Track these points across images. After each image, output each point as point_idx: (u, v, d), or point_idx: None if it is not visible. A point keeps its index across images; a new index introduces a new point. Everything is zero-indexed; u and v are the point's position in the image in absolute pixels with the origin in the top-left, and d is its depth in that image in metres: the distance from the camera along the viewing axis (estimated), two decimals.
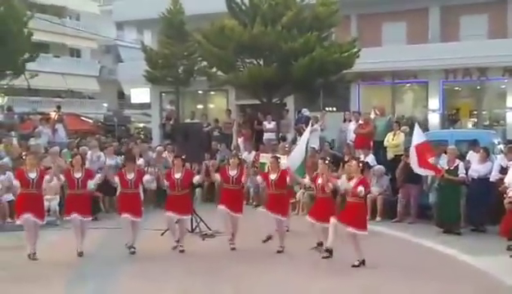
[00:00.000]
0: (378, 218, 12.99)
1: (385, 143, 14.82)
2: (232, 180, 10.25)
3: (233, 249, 10.16)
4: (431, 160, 11.47)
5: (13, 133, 17.19)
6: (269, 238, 10.41)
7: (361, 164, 9.25)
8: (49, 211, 12.71)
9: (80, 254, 9.76)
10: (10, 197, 12.54)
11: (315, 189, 9.94)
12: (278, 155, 11.25)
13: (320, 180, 9.52)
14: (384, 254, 9.70)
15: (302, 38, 17.31)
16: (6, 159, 14.15)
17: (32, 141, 16.40)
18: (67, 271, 8.95)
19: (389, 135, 14.85)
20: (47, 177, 9.94)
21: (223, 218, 10.34)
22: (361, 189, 8.82)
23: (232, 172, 10.29)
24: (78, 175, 9.94)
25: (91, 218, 10.31)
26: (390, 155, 14.66)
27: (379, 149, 15.04)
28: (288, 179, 10.14)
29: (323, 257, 9.35)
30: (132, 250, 9.99)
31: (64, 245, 10.35)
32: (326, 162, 9.66)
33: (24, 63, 21.25)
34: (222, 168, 10.85)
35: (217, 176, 10.71)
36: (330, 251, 9.29)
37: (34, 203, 9.66)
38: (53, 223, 12.60)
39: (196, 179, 10.73)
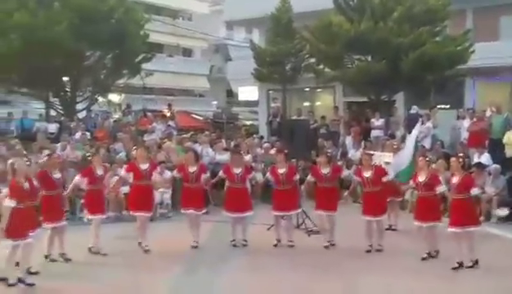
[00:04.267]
0: (481, 218, 12.21)
1: (504, 140, 14.07)
2: (326, 178, 10.15)
3: (326, 247, 10.07)
4: None
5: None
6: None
7: (461, 160, 8.83)
8: (161, 204, 13.30)
9: (195, 247, 10.06)
10: (126, 189, 13.20)
11: (416, 188, 9.55)
12: (371, 152, 11.01)
13: (419, 178, 9.20)
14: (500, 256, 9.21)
15: (412, 33, 16.83)
16: (122, 154, 14.94)
17: (146, 137, 17.20)
18: (178, 262, 9.30)
19: (509, 134, 14.08)
20: (156, 174, 10.34)
21: (319, 218, 10.39)
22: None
23: (325, 170, 10.19)
24: (192, 169, 10.27)
25: (204, 211, 10.55)
26: (509, 153, 13.88)
27: (496, 148, 14.28)
28: (385, 178, 9.88)
29: (423, 258, 9.11)
30: (244, 243, 10.24)
31: (175, 237, 10.74)
32: (427, 159, 9.35)
33: (140, 63, 22.30)
34: (314, 167, 10.76)
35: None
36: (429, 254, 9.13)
37: (145, 195, 10.03)
38: (165, 215, 13.15)
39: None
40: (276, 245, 10.26)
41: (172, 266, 9.03)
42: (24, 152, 13.41)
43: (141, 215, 9.94)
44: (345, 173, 10.77)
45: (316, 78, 20.51)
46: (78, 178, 9.82)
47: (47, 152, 13.88)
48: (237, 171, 10.30)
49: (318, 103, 25.63)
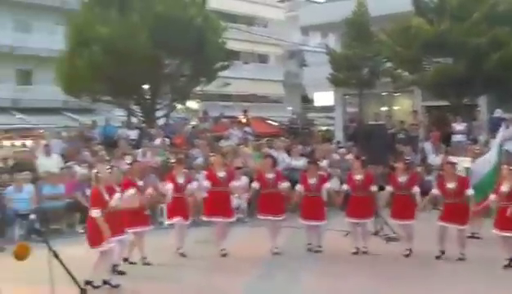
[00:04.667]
0: None
1: None
2: (402, 186, 9.89)
3: (407, 256, 9.82)
4: None
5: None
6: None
7: None
8: (238, 208, 13.42)
9: (276, 253, 10.09)
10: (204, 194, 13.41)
11: (498, 198, 9.06)
12: (454, 160, 10.60)
13: (503, 188, 8.79)
14: None
15: (490, 33, 16.19)
16: (200, 159, 15.21)
17: (223, 143, 17.45)
18: (255, 266, 9.37)
19: None
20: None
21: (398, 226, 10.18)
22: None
23: (402, 178, 9.94)
24: (269, 175, 10.31)
25: (283, 217, 10.48)
26: None
27: None
28: (468, 191, 9.47)
29: (504, 266, 8.78)
30: (318, 249, 10.20)
31: (252, 241, 10.82)
32: (511, 168, 8.91)
33: (218, 71, 22.67)
34: (392, 175, 10.43)
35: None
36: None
37: (222, 201, 10.14)
38: (242, 220, 13.26)
39: None
40: (355, 253, 10.10)
41: (249, 270, 9.10)
42: (107, 158, 13.94)
43: (218, 220, 10.08)
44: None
45: (393, 83, 20.13)
46: (168, 186, 9.98)
47: (129, 158, 14.46)
48: (312, 181, 10.24)
49: (396, 107, 25.12)
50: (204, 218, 10.36)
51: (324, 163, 14.97)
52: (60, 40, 22.45)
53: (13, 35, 30.70)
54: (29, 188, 12.42)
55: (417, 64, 18.27)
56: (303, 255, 10.10)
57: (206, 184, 10.32)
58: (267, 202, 10.24)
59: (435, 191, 9.92)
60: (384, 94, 24.59)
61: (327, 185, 10.45)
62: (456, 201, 9.39)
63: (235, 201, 12.54)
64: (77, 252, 8.17)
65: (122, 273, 8.58)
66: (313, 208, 10.17)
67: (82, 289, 3.49)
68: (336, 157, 16.37)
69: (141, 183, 9.44)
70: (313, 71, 28.76)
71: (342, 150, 16.74)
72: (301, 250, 10.30)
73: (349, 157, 15.58)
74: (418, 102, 22.92)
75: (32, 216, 11.83)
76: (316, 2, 35.55)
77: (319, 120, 35.57)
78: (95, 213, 7.73)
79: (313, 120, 30.83)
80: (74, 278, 3.41)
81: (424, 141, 18.27)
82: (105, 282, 7.95)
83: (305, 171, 10.99)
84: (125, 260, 9.24)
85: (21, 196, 12.17)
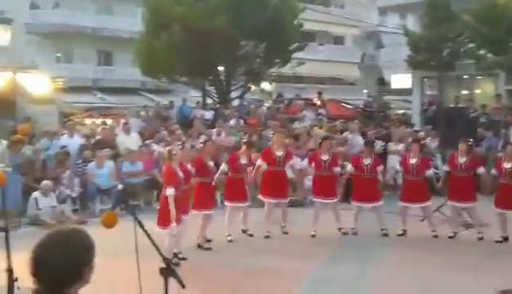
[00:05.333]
0: None
1: None
2: (461, 168, 9.70)
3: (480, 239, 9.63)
4: None
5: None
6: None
7: None
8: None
9: (344, 232, 10.14)
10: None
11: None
12: None
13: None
14: None
15: None
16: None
17: (296, 124, 17.38)
18: (328, 248, 9.31)
19: None
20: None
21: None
22: None
23: (461, 160, 9.74)
24: (325, 157, 10.18)
25: (335, 200, 10.22)
26: None
27: None
28: None
29: None
30: (384, 232, 10.08)
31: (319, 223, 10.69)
32: None
33: (293, 52, 22.53)
34: (451, 155, 10.18)
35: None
36: None
37: (277, 181, 10.04)
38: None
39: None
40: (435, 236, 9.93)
41: (316, 253, 9.03)
42: (183, 137, 14.21)
43: (269, 201, 10.00)
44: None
45: (476, 65, 19.30)
46: (223, 165, 9.87)
47: (203, 137, 14.68)
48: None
49: (478, 91, 24.10)
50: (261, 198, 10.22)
51: (400, 147, 14.63)
52: (140, 22, 23.02)
53: (95, 17, 31.76)
54: (109, 164, 12.88)
55: (503, 46, 17.41)
56: (373, 239, 9.91)
57: (259, 163, 10.03)
58: (319, 185, 10.15)
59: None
60: (465, 77, 23.64)
61: (381, 167, 10.26)
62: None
63: (307, 182, 12.50)
64: (154, 229, 8.37)
65: (183, 259, 8.44)
66: (367, 189, 10.04)
67: (165, 258, 3.55)
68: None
69: (212, 163, 9.35)
70: (390, 53, 28.09)
71: (421, 134, 16.27)
72: (372, 233, 10.11)
73: (428, 141, 15.16)
74: (501, 85, 21.90)
75: (120, 187, 12.23)
76: None
77: (395, 103, 34.74)
78: (169, 191, 7.74)
79: (389, 103, 30.15)
80: (157, 248, 3.48)
81: (508, 126, 17.44)
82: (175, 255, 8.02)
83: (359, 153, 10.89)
84: (199, 246, 9.16)
85: (102, 172, 12.64)
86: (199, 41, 19.04)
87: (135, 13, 30.64)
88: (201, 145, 10.50)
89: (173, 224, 7.72)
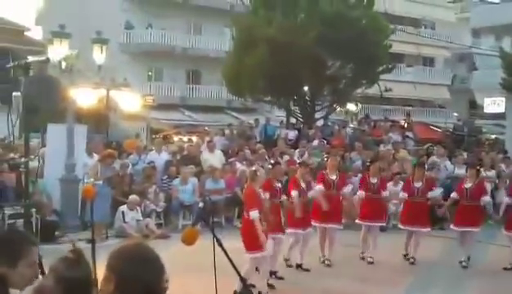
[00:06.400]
0: None
1: None
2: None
3: None
4: None
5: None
6: None
7: None
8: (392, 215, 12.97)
9: (412, 263, 9.82)
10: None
11: None
12: None
13: None
14: None
15: None
16: (358, 162, 15.00)
17: (382, 147, 17.02)
18: (406, 276, 9.08)
19: None
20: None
21: None
22: None
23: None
24: (417, 184, 9.93)
25: (428, 229, 10.05)
26: None
27: None
28: None
29: None
30: (464, 264, 9.64)
31: (396, 249, 10.38)
32: None
33: (381, 73, 22.18)
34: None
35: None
36: None
37: (374, 208, 9.97)
38: (397, 226, 12.79)
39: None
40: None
41: (400, 280, 8.76)
42: (266, 157, 14.28)
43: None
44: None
45: None
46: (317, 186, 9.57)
47: (286, 157, 14.70)
48: (468, 185, 9.72)
49: None
50: (357, 221, 10.26)
51: (491, 174, 13.99)
52: (228, 42, 23.50)
53: (185, 37, 32.76)
54: (193, 181, 13.14)
55: None
56: (457, 268, 9.55)
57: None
58: (410, 212, 9.92)
59: None
60: None
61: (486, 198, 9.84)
62: None
63: (391, 207, 12.21)
64: (234, 246, 8.39)
65: (280, 278, 8.55)
66: (469, 215, 9.65)
67: (242, 278, 3.55)
68: (505, 167, 15.20)
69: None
70: (484, 75, 27.03)
71: None
72: (455, 263, 9.76)
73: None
74: None
75: (201, 204, 12.42)
76: (490, 3, 33.36)
77: (487, 127, 33.37)
78: (253, 214, 7.43)
79: (481, 127, 29.03)
80: (235, 268, 3.48)
81: None
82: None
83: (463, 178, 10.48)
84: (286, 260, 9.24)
85: (186, 188, 12.92)
86: (285, 59, 19.15)
87: (224, 32, 31.33)
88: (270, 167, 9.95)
89: (259, 248, 7.46)
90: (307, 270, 9.18)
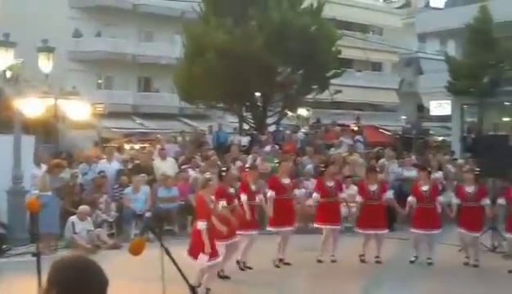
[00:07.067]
0: None
1: None
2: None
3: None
4: None
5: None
6: None
7: None
8: (347, 218, 13.18)
9: (378, 261, 9.96)
10: (311, 202, 13.30)
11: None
12: None
13: None
14: None
15: None
16: (310, 167, 15.17)
17: (332, 151, 17.27)
18: (361, 276, 9.26)
19: None
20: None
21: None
22: None
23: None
24: (373, 187, 10.07)
25: (386, 230, 10.27)
26: None
27: None
28: None
29: None
30: (429, 261, 9.86)
31: (358, 251, 10.57)
32: None
33: (330, 78, 22.52)
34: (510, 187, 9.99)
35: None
36: None
37: (332, 211, 10.11)
38: (351, 229, 13.01)
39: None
40: (466, 264, 9.82)
41: (357, 279, 8.94)
42: (218, 162, 14.28)
43: (326, 228, 10.03)
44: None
45: None
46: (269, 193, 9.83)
47: (238, 163, 14.73)
48: (425, 188, 9.88)
49: None
50: (316, 225, 10.39)
51: (438, 175, 14.37)
52: (179, 49, 23.42)
53: (136, 44, 32.47)
54: (145, 189, 13.02)
55: None
56: (410, 268, 9.78)
57: (314, 195, 10.33)
58: (368, 215, 10.02)
59: None
60: (506, 103, 23.20)
61: (440, 198, 10.08)
62: None
63: (343, 210, 12.37)
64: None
65: (226, 277, 8.68)
66: (427, 217, 9.87)
67: (191, 287, 3.54)
68: (452, 168, 15.66)
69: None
70: (430, 79, 27.80)
71: (460, 162, 15.99)
72: (408, 262, 10.00)
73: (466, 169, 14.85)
74: None
75: (147, 214, 12.38)
76: (435, 8, 34.36)
77: (434, 130, 34.29)
78: (199, 225, 7.52)
79: (428, 130, 29.80)
80: (184, 276, 3.48)
81: None
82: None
83: (417, 180, 10.68)
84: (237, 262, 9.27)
85: (138, 197, 12.78)
86: (236, 67, 19.23)
87: (174, 40, 31.22)
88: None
89: (205, 256, 7.52)
90: (250, 268, 9.29)
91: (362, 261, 10.02)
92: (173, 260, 3.73)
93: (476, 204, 9.79)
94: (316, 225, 10.45)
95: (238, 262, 9.27)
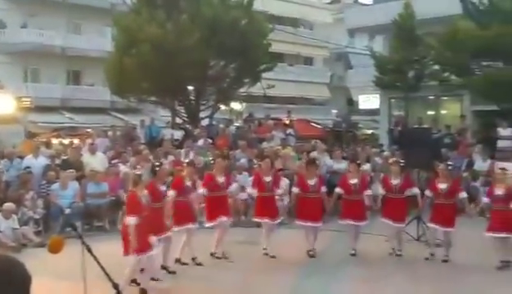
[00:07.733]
0: None
1: None
2: (443, 194, 9.75)
3: (426, 259, 9.75)
4: None
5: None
6: None
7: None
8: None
9: (312, 256, 10.06)
10: (244, 195, 13.42)
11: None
12: (506, 166, 10.34)
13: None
14: None
15: None
16: (243, 160, 15.28)
17: (265, 144, 17.44)
18: (294, 267, 9.38)
19: None
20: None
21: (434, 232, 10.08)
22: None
23: (443, 185, 9.76)
24: (311, 181, 10.23)
25: (320, 223, 10.45)
26: None
27: None
28: None
29: None
30: (352, 252, 10.11)
31: (292, 243, 10.72)
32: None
33: (262, 72, 22.70)
34: (433, 180, 10.38)
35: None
36: None
37: (269, 205, 10.21)
38: (283, 222, 13.19)
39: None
40: (391, 253, 10.11)
41: (289, 271, 9.11)
42: (150, 157, 14.12)
43: (265, 222, 10.13)
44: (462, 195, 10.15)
45: (440, 86, 19.74)
46: (201, 190, 9.83)
47: (171, 157, 14.63)
48: (353, 181, 10.15)
49: (444, 111, 24.62)
50: (254, 219, 10.49)
51: (366, 167, 14.78)
52: (109, 41, 22.95)
53: (65, 36, 31.55)
54: (74, 185, 12.72)
55: (466, 69, 17.84)
56: (341, 258, 10.01)
57: (250, 190, 10.49)
58: (306, 208, 10.16)
59: (485, 200, 9.79)
60: (430, 97, 24.14)
61: (369, 191, 10.37)
62: (504, 208, 9.17)
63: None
64: (118, 250, 8.26)
65: (172, 272, 8.72)
66: (354, 209, 10.10)
67: (114, 284, 3.52)
68: (379, 160, 16.15)
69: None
70: (358, 74, 28.54)
71: (386, 154, 16.50)
72: (340, 253, 10.25)
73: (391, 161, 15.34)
74: (467, 106, 22.40)
75: (67, 211, 12.09)
76: (363, 4, 35.26)
77: (364, 123, 35.25)
78: (128, 221, 7.48)
79: (358, 123, 30.58)
80: (106, 273, 3.45)
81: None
82: (133, 281, 7.83)
83: (346, 173, 10.94)
84: (177, 261, 9.21)
85: (66, 193, 12.47)
86: (168, 60, 19.05)
87: (104, 32, 30.56)
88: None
89: (134, 251, 7.45)
90: (185, 264, 9.30)
91: (312, 256, 10.04)
92: (94, 257, 3.70)
93: (401, 196, 10.11)
94: (255, 219, 10.51)
95: (177, 260, 9.24)
